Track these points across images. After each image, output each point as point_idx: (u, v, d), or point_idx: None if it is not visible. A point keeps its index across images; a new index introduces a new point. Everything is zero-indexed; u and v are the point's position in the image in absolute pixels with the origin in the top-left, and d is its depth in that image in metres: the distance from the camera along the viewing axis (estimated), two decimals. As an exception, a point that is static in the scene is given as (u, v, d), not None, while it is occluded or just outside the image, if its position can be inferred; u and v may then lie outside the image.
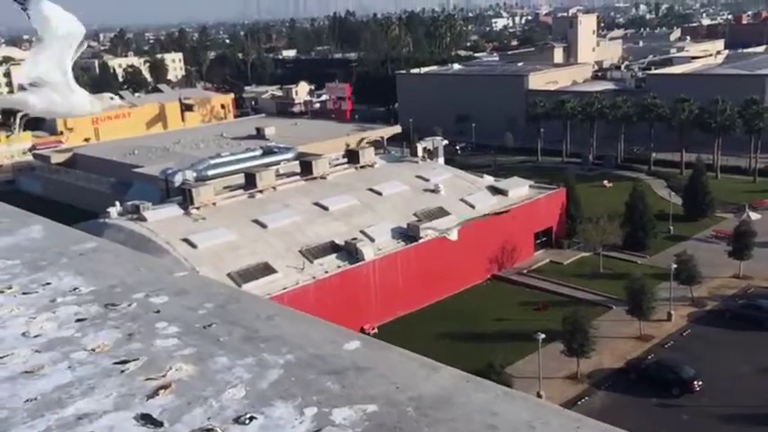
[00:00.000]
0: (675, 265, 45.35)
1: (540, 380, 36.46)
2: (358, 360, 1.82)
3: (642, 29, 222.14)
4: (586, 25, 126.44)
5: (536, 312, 45.61)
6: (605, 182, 73.56)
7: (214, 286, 1.98)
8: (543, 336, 36.44)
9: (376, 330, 44.79)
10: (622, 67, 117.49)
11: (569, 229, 57.70)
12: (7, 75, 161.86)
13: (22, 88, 4.09)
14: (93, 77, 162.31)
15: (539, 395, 36.17)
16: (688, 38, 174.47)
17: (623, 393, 37.00)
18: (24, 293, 1.91)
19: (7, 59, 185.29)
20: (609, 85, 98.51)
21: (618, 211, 55.57)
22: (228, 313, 1.85)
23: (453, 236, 41.78)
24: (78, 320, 1.78)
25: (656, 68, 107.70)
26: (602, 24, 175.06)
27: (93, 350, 1.80)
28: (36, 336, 1.81)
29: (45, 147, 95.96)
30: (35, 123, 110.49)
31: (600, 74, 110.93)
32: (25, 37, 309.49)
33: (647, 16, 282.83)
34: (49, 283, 1.97)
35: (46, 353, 1.83)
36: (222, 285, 2.00)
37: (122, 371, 1.81)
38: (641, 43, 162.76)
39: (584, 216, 57.22)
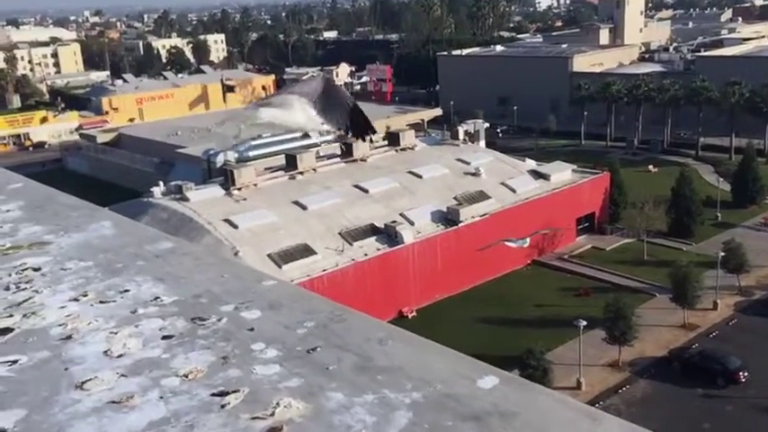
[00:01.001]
0: (723, 253, 44.25)
1: (581, 367, 36.05)
2: (499, 402, 1.51)
3: (692, 9, 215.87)
4: (634, 5, 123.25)
5: (577, 298, 45.04)
6: (651, 167, 71.97)
7: (312, 300, 1.78)
8: (585, 323, 35.94)
9: (415, 314, 44.83)
10: (671, 48, 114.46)
11: (613, 214, 56.72)
12: (55, 55, 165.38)
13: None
14: (138, 58, 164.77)
15: (578, 382, 35.85)
16: (740, 19, 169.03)
17: (666, 383, 36.34)
18: (102, 302, 1.78)
19: (55, 40, 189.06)
20: (656, 68, 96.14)
21: (663, 197, 54.41)
22: (333, 334, 1.63)
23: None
24: (165, 337, 1.61)
25: (705, 50, 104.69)
26: (650, 4, 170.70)
27: (186, 376, 1.62)
28: (120, 355, 1.65)
29: (91, 126, 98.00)
30: (81, 103, 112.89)
31: (647, 56, 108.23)
32: (72, 18, 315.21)
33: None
34: (127, 290, 1.83)
35: (133, 378, 1.65)
36: (320, 300, 1.79)
37: (222, 405, 1.63)
38: (690, 24, 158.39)
39: (629, 202, 56.19)
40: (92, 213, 2.61)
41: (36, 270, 2.00)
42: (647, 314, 40.98)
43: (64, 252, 2.16)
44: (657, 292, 44.73)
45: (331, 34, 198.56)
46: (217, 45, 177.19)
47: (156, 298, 1.78)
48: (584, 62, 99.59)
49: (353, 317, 1.73)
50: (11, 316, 1.71)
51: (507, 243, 44.04)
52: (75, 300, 1.81)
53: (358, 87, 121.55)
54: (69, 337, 1.65)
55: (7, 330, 1.66)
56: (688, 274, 41.30)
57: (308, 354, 1.60)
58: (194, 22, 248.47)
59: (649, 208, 51.70)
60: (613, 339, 37.53)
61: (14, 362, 1.63)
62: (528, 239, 44.81)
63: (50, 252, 2.16)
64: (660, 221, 51.94)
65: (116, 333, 1.64)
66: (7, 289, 1.89)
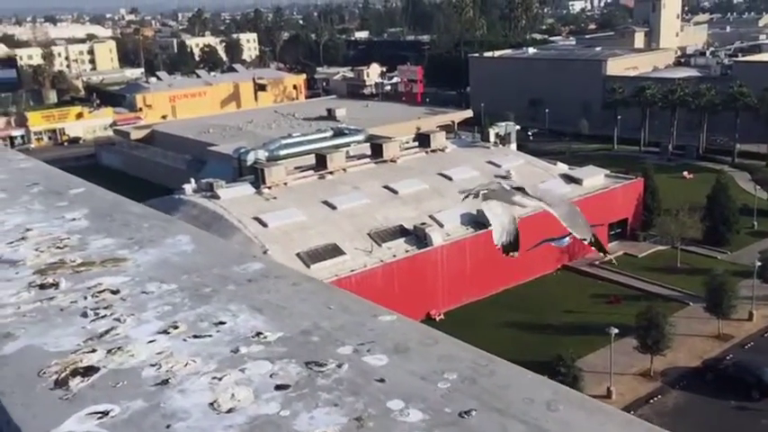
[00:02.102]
0: (759, 263, 43.26)
1: (612, 375, 35.48)
2: None
3: (729, 13, 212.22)
4: (670, 9, 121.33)
5: (608, 306, 44.37)
6: (686, 173, 70.74)
7: (445, 343, 1.48)
8: (616, 330, 35.37)
9: (443, 316, 44.54)
10: (707, 53, 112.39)
11: (646, 221, 55.80)
12: (91, 52, 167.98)
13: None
14: (172, 56, 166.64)
15: (609, 391, 35.29)
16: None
17: (699, 394, 35.61)
18: (196, 336, 1.55)
19: (91, 37, 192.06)
20: (692, 72, 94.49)
21: (698, 204, 53.38)
22: (485, 392, 1.31)
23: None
24: (279, 387, 1.34)
25: (743, 55, 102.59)
26: (687, 8, 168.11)
27: None
28: (229, 410, 1.39)
29: (125, 123, 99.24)
30: (116, 100, 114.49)
31: (683, 60, 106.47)
32: (108, 15, 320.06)
33: (735, 0, 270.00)
34: (222, 322, 1.60)
35: None
36: (455, 343, 1.48)
37: None
38: (728, 28, 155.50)
39: (663, 208, 55.22)
40: (165, 225, 2.41)
41: (114, 293, 1.80)
42: (680, 323, 40.16)
43: (142, 271, 1.95)
44: (691, 301, 43.88)
45: (362, 34, 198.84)
46: (249, 44, 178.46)
47: (258, 333, 1.53)
48: (618, 65, 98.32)
49: (503, 368, 1.43)
50: (93, 351, 1.51)
51: (551, 243, 43.76)
52: (165, 332, 1.58)
53: (388, 88, 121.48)
54: (166, 382, 1.40)
55: (92, 370, 1.44)
56: (723, 283, 40.43)
57: (461, 418, 1.28)
58: (227, 21, 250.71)
59: (684, 215, 50.76)
60: (645, 348, 36.89)
61: (105, 413, 1.37)
62: (568, 239, 44.45)
63: (127, 271, 1.96)
64: (695, 229, 50.95)
65: (220, 379, 1.38)
66: (84, 315, 1.70)
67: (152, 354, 1.48)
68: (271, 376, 1.38)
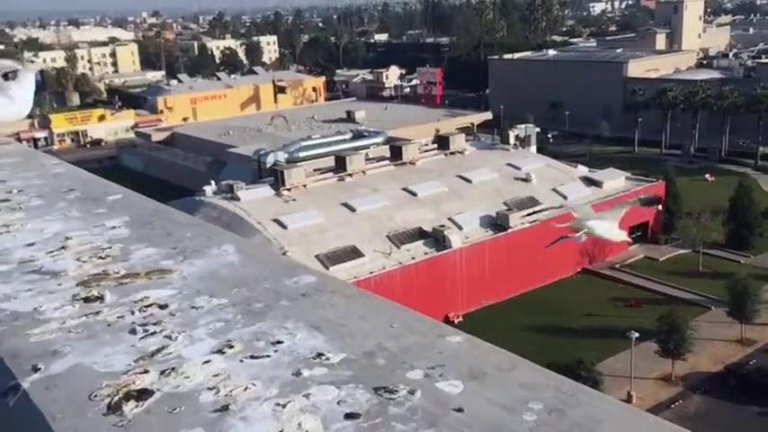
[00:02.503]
0: (783, 267, 42.63)
1: (632, 379, 35.18)
2: None
3: (752, 15, 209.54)
4: (692, 10, 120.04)
5: (628, 309, 44.00)
6: (708, 176, 69.98)
7: (522, 368, 1.36)
8: (637, 334, 35.07)
9: (461, 319, 44.41)
10: (730, 54, 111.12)
11: (667, 224, 55.24)
12: (113, 55, 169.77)
13: None
14: (192, 58, 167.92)
15: (629, 395, 34.98)
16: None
17: (721, 399, 35.21)
18: (253, 356, 1.44)
19: (113, 40, 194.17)
20: (715, 74, 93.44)
21: (721, 207, 52.77)
22: (576, 425, 1.16)
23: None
24: (349, 416, 1.21)
25: (766, 57, 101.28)
26: (709, 9, 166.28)
27: None
28: None
29: (146, 125, 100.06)
30: (137, 102, 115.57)
31: (705, 62, 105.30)
32: (130, 19, 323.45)
33: (759, 1, 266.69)
34: (279, 342, 1.50)
35: None
36: (533, 368, 1.35)
37: None
38: (751, 30, 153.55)
39: (684, 211, 54.65)
40: (209, 234, 2.29)
41: (162, 307, 1.72)
42: (702, 327, 39.73)
43: (189, 284, 1.86)
44: (713, 305, 43.41)
45: (382, 37, 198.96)
46: (269, 46, 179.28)
47: (320, 355, 1.42)
48: (639, 67, 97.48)
49: (591, 398, 1.27)
50: (146, 372, 1.41)
51: (570, 237, 43.70)
52: (220, 352, 1.46)
53: (408, 90, 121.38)
54: (226, 408, 1.28)
55: (146, 393, 1.33)
56: (746, 286, 39.94)
57: None
58: (248, 24, 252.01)
59: (706, 218, 50.22)
60: (667, 352, 36.55)
61: None
62: (584, 235, 44.39)
63: (173, 283, 1.88)
64: (717, 232, 50.36)
65: (284, 406, 1.26)
66: (133, 332, 1.62)
67: (208, 376, 1.38)
68: (338, 403, 1.25)
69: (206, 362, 1.44)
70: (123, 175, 77.31)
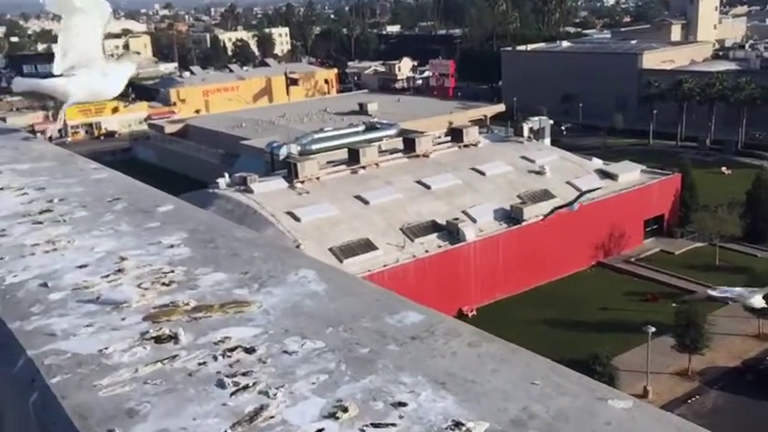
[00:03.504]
0: (802, 261, 42.13)
1: (648, 374, 34.91)
2: None
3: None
4: (708, 1, 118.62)
5: (644, 303, 43.64)
6: (724, 168, 69.25)
7: None
8: (653, 329, 34.76)
9: (475, 312, 44.26)
10: (746, 46, 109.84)
11: (683, 217, 54.75)
12: (126, 47, 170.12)
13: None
14: (205, 50, 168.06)
15: (645, 390, 34.73)
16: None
17: (738, 394, 34.89)
18: (375, 425, 1.18)
19: (126, 32, 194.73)
20: (731, 66, 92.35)
21: (738, 200, 52.21)
22: None
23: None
24: None
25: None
26: (725, 0, 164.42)
27: None
28: None
29: (159, 117, 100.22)
30: (150, 94, 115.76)
31: (721, 53, 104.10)
32: (143, 11, 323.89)
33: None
34: (402, 404, 1.22)
35: None
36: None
37: None
38: (767, 21, 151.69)
39: (700, 204, 54.13)
40: (281, 256, 2.02)
41: (249, 351, 1.48)
42: (719, 322, 39.37)
43: (274, 321, 1.62)
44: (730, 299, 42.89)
45: (394, 28, 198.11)
46: (281, 38, 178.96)
47: (458, 424, 1.15)
48: (654, 59, 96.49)
49: None
50: None
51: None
52: (333, 416, 1.22)
53: (420, 82, 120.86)
54: None
55: None
56: (765, 281, 39.43)
57: None
58: (259, 16, 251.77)
59: (723, 211, 49.71)
60: (683, 347, 36.23)
61: None
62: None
63: (255, 319, 1.64)
64: (734, 226, 49.86)
65: None
66: (221, 386, 1.35)
67: None
68: None
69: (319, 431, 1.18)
70: (137, 168, 77.39)
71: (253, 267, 1.97)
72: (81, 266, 2.16)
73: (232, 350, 1.49)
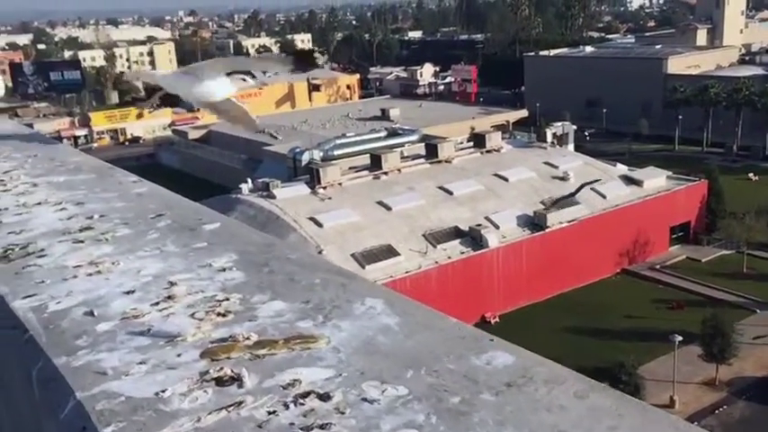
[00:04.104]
0: (833, 270, 41.29)
1: (675, 384, 34.36)
2: None
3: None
4: (734, 5, 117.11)
5: (670, 311, 43.00)
6: (751, 175, 68.20)
7: None
8: (680, 338, 34.23)
9: (498, 320, 43.93)
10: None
11: (710, 224, 53.96)
12: (151, 53, 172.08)
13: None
14: (228, 57, 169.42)
15: (672, 400, 34.19)
16: None
17: (767, 405, 34.17)
18: None
19: (151, 39, 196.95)
20: (758, 71, 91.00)
21: (765, 207, 51.36)
22: None
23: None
24: None
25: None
26: (751, 4, 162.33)
27: None
28: None
29: (183, 123, 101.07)
30: (173, 100, 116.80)
31: (747, 58, 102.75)
32: (167, 18, 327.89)
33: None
34: None
35: None
36: None
37: None
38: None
39: (727, 211, 53.32)
40: (343, 281, 1.87)
41: (323, 398, 1.30)
42: (746, 331, 38.69)
43: (346, 360, 1.44)
44: (758, 308, 42.24)
45: (416, 34, 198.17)
46: (303, 44, 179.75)
47: None
48: (679, 64, 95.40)
49: None
50: None
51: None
52: None
53: (442, 88, 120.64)
54: None
55: None
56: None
57: None
58: (282, 22, 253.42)
59: (751, 218, 48.91)
60: (710, 356, 35.62)
61: None
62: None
63: (325, 359, 1.45)
64: (762, 233, 49.00)
65: None
66: None
67: None
68: None
69: None
70: (161, 173, 78.19)
71: (313, 295, 1.81)
72: (128, 292, 2.00)
73: (304, 396, 1.32)
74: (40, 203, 3.05)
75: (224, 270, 2.06)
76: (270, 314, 1.72)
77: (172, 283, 2.01)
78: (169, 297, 1.92)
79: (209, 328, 1.68)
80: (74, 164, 3.74)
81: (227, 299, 1.85)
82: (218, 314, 1.75)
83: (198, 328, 1.68)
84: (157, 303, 1.89)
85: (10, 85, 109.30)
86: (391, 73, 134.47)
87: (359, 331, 1.56)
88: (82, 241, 2.52)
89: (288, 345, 1.53)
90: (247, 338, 1.57)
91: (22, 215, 2.92)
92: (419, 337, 1.51)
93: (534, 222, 47.93)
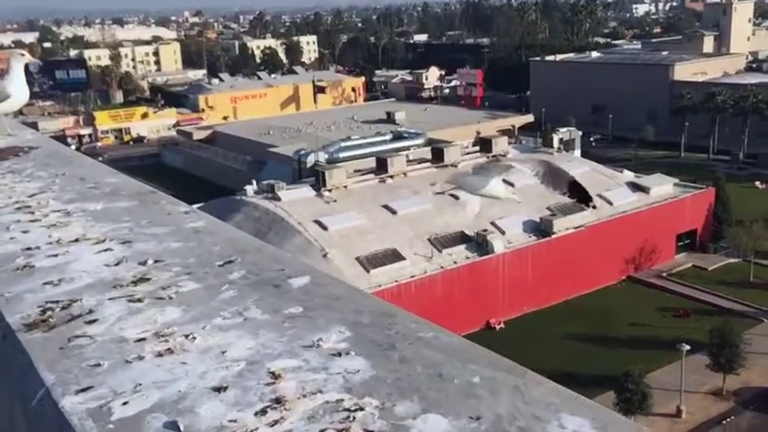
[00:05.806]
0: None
1: (682, 393, 34.08)
2: None
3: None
4: (742, 13, 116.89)
5: (676, 320, 42.75)
6: (758, 183, 67.93)
7: None
8: (688, 347, 33.96)
9: (503, 326, 43.70)
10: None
11: (716, 232, 53.67)
12: (156, 53, 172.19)
13: None
14: (233, 58, 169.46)
15: (678, 410, 33.92)
16: None
17: (774, 416, 33.90)
18: None
19: (156, 39, 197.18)
20: (765, 78, 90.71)
21: (773, 216, 51.05)
22: None
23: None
24: None
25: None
26: (758, 12, 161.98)
27: None
28: None
29: (188, 123, 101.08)
30: (179, 101, 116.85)
31: (754, 65, 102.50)
32: (173, 18, 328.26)
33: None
34: None
35: None
36: None
37: None
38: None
39: (734, 219, 53.02)
40: (515, 382, 1.34)
41: None
42: (754, 340, 38.37)
43: None
44: (765, 318, 41.94)
45: (421, 37, 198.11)
46: (309, 46, 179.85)
47: None
48: (686, 71, 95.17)
49: None
50: None
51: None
52: None
53: (447, 91, 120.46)
54: None
55: None
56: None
57: None
58: (288, 24, 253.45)
59: (757, 226, 48.63)
60: (718, 366, 35.33)
61: None
62: None
63: None
64: (769, 242, 48.69)
65: None
66: None
67: None
68: None
69: None
70: (165, 174, 78.18)
71: (481, 405, 1.26)
72: (218, 389, 1.40)
73: None
74: (77, 240, 2.48)
75: (339, 355, 1.50)
76: (370, 405, 1.28)
77: (274, 375, 1.44)
78: (276, 400, 1.35)
79: None
80: (109, 186, 3.14)
81: (360, 408, 1.29)
82: None
83: None
84: (264, 413, 1.31)
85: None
86: (396, 76, 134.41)
87: (468, 426, 1.18)
88: (140, 300, 1.91)
89: None
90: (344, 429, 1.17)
91: (58, 257, 2.30)
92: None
93: (540, 228, 47.70)
